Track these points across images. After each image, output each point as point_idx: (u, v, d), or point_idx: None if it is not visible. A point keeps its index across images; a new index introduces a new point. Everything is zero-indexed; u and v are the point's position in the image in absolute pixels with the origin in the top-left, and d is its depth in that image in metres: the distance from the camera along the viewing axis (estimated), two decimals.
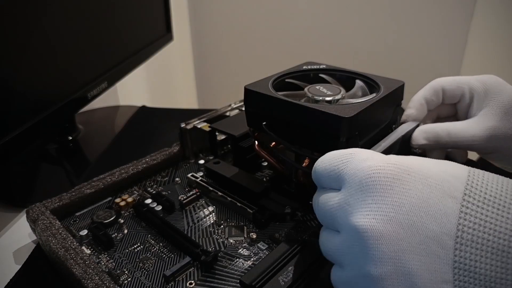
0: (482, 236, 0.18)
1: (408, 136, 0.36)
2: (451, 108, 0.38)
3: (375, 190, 0.21)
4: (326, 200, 0.23)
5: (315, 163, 0.25)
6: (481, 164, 0.39)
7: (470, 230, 0.18)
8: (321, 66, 0.41)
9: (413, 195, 0.20)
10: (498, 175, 0.20)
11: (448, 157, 0.40)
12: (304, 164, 0.34)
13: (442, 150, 0.38)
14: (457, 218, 0.19)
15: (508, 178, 0.20)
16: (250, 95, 0.35)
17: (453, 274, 0.18)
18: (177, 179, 0.42)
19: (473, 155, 0.41)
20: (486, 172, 0.20)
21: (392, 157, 0.22)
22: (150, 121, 0.65)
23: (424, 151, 0.39)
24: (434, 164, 0.21)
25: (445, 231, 0.19)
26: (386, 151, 0.32)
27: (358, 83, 0.38)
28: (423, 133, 0.35)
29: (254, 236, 0.33)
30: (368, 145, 0.34)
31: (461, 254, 0.18)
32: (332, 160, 0.24)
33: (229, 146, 0.47)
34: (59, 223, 0.33)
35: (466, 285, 0.18)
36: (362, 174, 0.21)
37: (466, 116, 0.36)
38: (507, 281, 0.17)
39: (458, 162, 0.39)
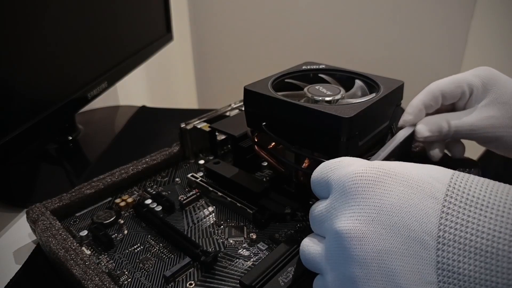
0: (465, 236, 0.18)
1: (407, 141, 0.36)
2: (449, 105, 0.38)
3: (357, 193, 0.21)
4: (315, 207, 0.24)
5: (313, 172, 0.26)
6: (482, 163, 0.39)
7: (452, 230, 0.18)
8: (321, 66, 0.41)
9: (394, 196, 0.20)
10: (484, 178, 0.20)
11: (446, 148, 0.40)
12: (304, 165, 0.34)
13: (443, 143, 0.39)
14: (438, 218, 0.19)
15: (494, 181, 0.19)
16: (250, 95, 0.35)
17: (437, 275, 0.18)
18: (177, 179, 0.42)
19: (475, 153, 0.41)
20: (471, 175, 0.20)
21: (376, 162, 0.22)
22: (150, 121, 0.65)
23: (425, 146, 0.39)
24: (417, 167, 0.21)
25: (426, 231, 0.19)
26: (386, 159, 0.32)
27: (358, 83, 0.38)
28: (426, 125, 0.36)
29: (254, 237, 0.33)
30: (368, 145, 0.34)
31: (444, 255, 0.18)
32: (322, 169, 0.25)
33: (229, 146, 0.47)
34: (59, 223, 0.33)
35: (450, 287, 0.18)
36: (346, 178, 0.22)
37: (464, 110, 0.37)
38: (492, 282, 0.17)
39: (455, 156, 0.39)
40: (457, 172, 0.20)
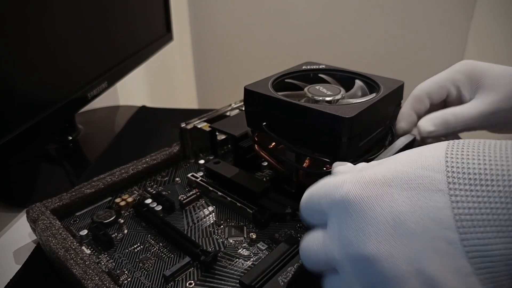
0: (481, 218, 0.17)
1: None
2: (440, 104, 0.38)
3: (364, 213, 0.20)
4: (314, 240, 0.23)
5: (300, 203, 0.24)
6: None
7: (467, 217, 0.18)
8: (321, 66, 0.41)
9: (401, 204, 0.20)
10: (473, 142, 0.19)
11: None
12: (304, 165, 0.34)
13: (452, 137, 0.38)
14: (451, 210, 0.18)
15: (483, 143, 0.19)
16: (250, 95, 0.35)
17: (471, 265, 0.18)
18: (177, 179, 0.42)
19: None
20: (459, 148, 0.19)
21: (366, 174, 0.21)
22: (150, 121, 0.65)
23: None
24: (405, 163, 0.21)
25: (445, 226, 0.18)
26: None
27: (358, 83, 0.38)
28: (430, 120, 0.35)
29: (254, 236, 0.33)
30: (369, 145, 0.34)
31: (469, 243, 0.18)
32: (310, 197, 0.24)
33: (229, 146, 0.47)
34: (59, 223, 0.33)
35: (487, 270, 0.17)
36: (343, 203, 0.21)
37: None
38: None
39: None
40: (448, 153, 0.20)
